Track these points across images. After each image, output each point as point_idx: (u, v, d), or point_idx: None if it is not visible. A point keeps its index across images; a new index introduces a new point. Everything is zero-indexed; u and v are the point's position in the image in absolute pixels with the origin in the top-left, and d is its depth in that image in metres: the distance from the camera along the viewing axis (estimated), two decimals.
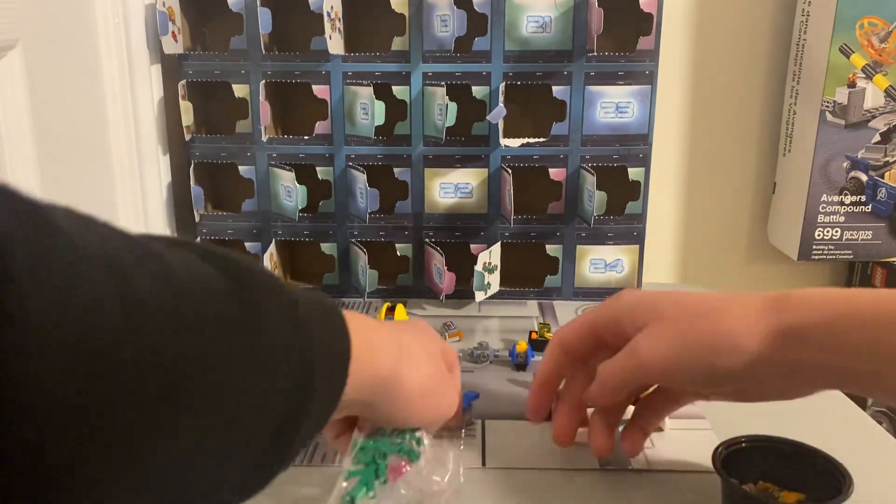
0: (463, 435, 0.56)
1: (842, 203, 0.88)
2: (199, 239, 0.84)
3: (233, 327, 0.27)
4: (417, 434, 0.47)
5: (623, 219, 0.82)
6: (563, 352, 0.50)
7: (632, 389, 0.48)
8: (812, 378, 0.41)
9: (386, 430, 0.47)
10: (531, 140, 0.79)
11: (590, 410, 0.52)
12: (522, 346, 0.68)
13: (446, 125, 0.76)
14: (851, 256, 0.90)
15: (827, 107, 0.84)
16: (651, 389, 0.52)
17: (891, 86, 0.84)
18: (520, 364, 0.68)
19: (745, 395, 0.45)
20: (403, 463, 0.45)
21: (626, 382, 0.46)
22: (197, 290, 0.26)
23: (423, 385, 0.43)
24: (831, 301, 0.39)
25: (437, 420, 0.47)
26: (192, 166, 0.82)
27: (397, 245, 0.84)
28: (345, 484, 0.44)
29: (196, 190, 0.82)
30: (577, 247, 0.83)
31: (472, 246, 0.83)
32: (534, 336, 0.72)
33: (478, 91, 0.79)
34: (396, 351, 0.41)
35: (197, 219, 0.84)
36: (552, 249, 0.83)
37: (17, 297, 0.19)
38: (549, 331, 0.73)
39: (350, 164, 0.81)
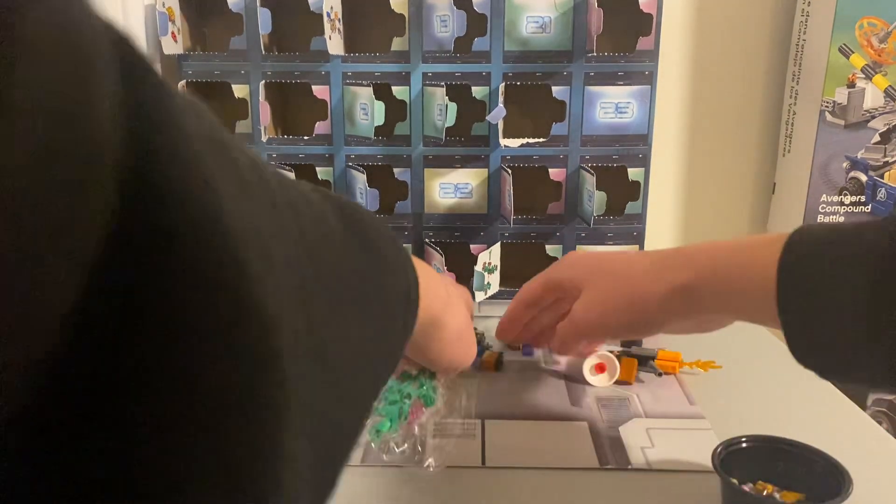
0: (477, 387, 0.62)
1: (841, 203, 0.88)
2: None
3: (360, 250, 0.31)
4: (434, 382, 0.53)
5: (623, 219, 0.82)
6: (525, 305, 0.59)
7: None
8: (712, 317, 0.50)
9: (411, 374, 0.53)
10: (531, 140, 0.79)
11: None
12: None
13: (446, 125, 0.76)
14: None
15: (826, 107, 0.84)
16: None
17: (890, 86, 0.84)
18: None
19: (670, 332, 0.53)
20: (421, 406, 0.52)
21: (573, 341, 0.56)
22: (328, 215, 0.30)
23: (458, 331, 0.49)
24: (717, 253, 0.46)
25: (461, 364, 0.52)
26: None
27: None
28: (371, 420, 0.51)
29: None
30: (577, 247, 0.83)
31: (471, 246, 0.83)
32: None
33: (477, 91, 0.79)
34: (445, 296, 0.46)
35: None
36: (552, 249, 0.83)
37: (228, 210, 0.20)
38: None
39: (350, 164, 0.81)
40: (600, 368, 0.66)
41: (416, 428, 0.52)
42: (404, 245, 0.41)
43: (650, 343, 0.72)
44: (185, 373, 0.18)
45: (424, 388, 0.53)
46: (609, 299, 0.52)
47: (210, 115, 0.23)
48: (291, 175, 0.78)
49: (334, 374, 0.27)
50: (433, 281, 0.44)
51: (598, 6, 0.73)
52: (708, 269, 0.46)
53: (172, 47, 0.78)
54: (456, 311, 0.49)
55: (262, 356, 0.20)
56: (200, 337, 0.18)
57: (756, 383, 0.66)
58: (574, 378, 0.67)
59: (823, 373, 0.41)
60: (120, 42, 0.18)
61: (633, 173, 0.81)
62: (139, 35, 0.77)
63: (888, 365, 0.37)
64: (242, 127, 0.82)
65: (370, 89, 0.76)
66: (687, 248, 0.49)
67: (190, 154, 0.19)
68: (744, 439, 0.48)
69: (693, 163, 0.96)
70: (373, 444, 0.53)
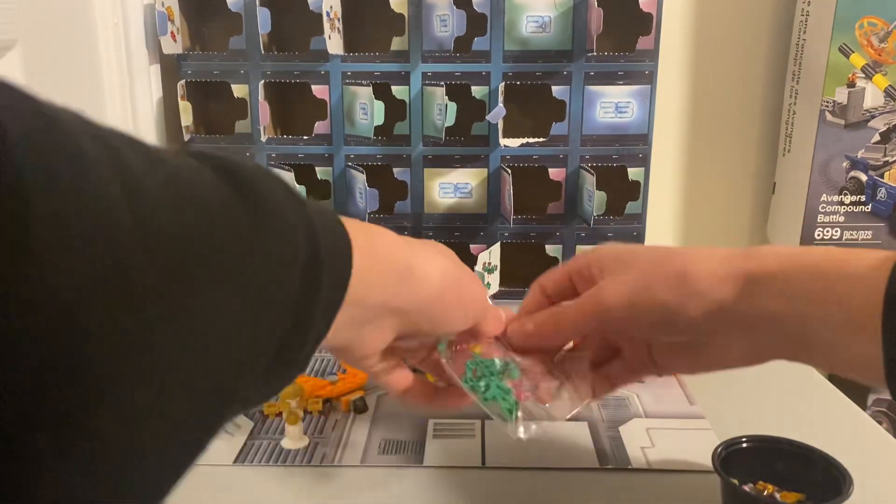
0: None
1: (841, 203, 0.88)
2: None
3: (235, 206, 0.26)
4: (499, 362, 0.46)
5: (623, 219, 0.82)
6: (542, 293, 0.49)
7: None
8: (764, 334, 0.41)
9: (478, 363, 0.45)
10: (531, 140, 0.79)
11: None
12: None
13: (446, 125, 0.76)
14: None
15: (826, 106, 0.84)
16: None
17: (890, 85, 0.84)
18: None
19: (696, 353, 0.44)
20: (520, 382, 0.45)
21: (583, 323, 0.44)
22: (192, 172, 0.26)
23: (444, 275, 0.41)
24: (788, 254, 0.40)
25: (472, 315, 0.44)
26: None
27: None
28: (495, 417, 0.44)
29: None
30: (577, 247, 0.83)
31: (471, 246, 0.83)
32: None
33: (477, 91, 0.79)
34: (404, 244, 0.39)
35: None
36: (552, 249, 0.83)
37: (25, 186, 0.18)
38: None
39: (349, 164, 0.81)
40: None
41: (530, 406, 0.45)
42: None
43: None
44: None
45: (499, 370, 0.46)
46: (648, 275, 0.42)
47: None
48: (288, 175, 0.78)
49: (171, 360, 0.23)
50: (378, 232, 0.38)
51: (598, 6, 0.73)
52: (785, 264, 0.39)
53: (172, 47, 0.78)
54: (428, 254, 0.41)
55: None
56: None
57: (756, 383, 0.66)
58: None
59: None
60: None
61: (633, 173, 0.81)
62: (138, 34, 0.77)
63: None
64: (242, 127, 0.82)
65: (370, 89, 0.76)
66: (762, 246, 0.42)
67: None
68: (744, 439, 0.48)
69: (693, 162, 0.96)
70: (511, 422, 0.44)
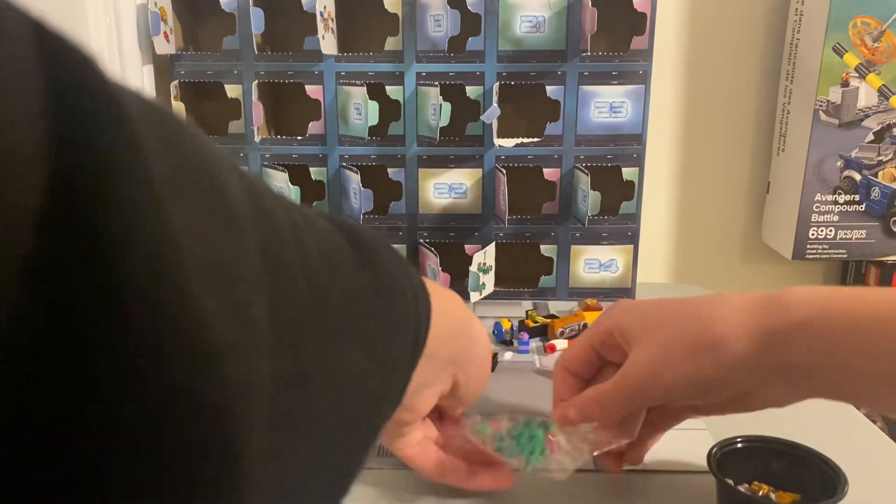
0: None
1: (836, 202, 0.88)
2: None
3: (362, 273, 0.29)
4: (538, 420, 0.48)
5: (617, 219, 0.82)
6: (570, 374, 0.49)
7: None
8: (801, 382, 0.40)
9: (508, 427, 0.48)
10: (525, 140, 0.79)
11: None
12: (507, 323, 0.73)
13: (440, 125, 0.75)
14: (845, 256, 0.90)
15: (820, 106, 0.85)
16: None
17: (884, 85, 0.84)
18: (507, 340, 0.73)
19: (739, 405, 0.45)
20: (550, 436, 0.47)
21: (625, 407, 0.45)
22: (329, 236, 0.28)
23: (487, 342, 0.44)
24: (814, 301, 0.39)
25: (483, 387, 0.46)
26: None
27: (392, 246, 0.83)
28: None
29: None
30: (572, 247, 0.83)
31: (466, 246, 0.83)
32: (528, 323, 0.75)
33: (472, 91, 0.79)
34: (462, 305, 0.42)
35: None
36: (547, 249, 0.83)
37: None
38: (538, 315, 0.77)
39: (344, 164, 0.81)
40: None
41: (560, 455, 0.47)
42: (410, 263, 0.38)
43: None
44: (124, 418, 0.16)
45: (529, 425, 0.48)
46: (667, 347, 0.42)
47: (190, 135, 0.20)
48: (282, 175, 0.78)
49: (322, 410, 0.25)
50: (449, 293, 0.41)
51: (592, 5, 0.73)
52: (815, 313, 0.38)
53: (165, 47, 0.77)
54: (479, 322, 0.44)
55: (210, 392, 0.18)
56: (139, 382, 0.16)
57: None
58: None
59: None
60: (42, 33, 0.16)
61: (628, 173, 0.81)
62: (131, 35, 0.77)
63: None
64: (235, 127, 0.81)
65: (364, 89, 0.76)
66: (783, 292, 0.40)
67: (136, 175, 0.16)
68: (739, 439, 0.48)
69: (687, 162, 0.96)
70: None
